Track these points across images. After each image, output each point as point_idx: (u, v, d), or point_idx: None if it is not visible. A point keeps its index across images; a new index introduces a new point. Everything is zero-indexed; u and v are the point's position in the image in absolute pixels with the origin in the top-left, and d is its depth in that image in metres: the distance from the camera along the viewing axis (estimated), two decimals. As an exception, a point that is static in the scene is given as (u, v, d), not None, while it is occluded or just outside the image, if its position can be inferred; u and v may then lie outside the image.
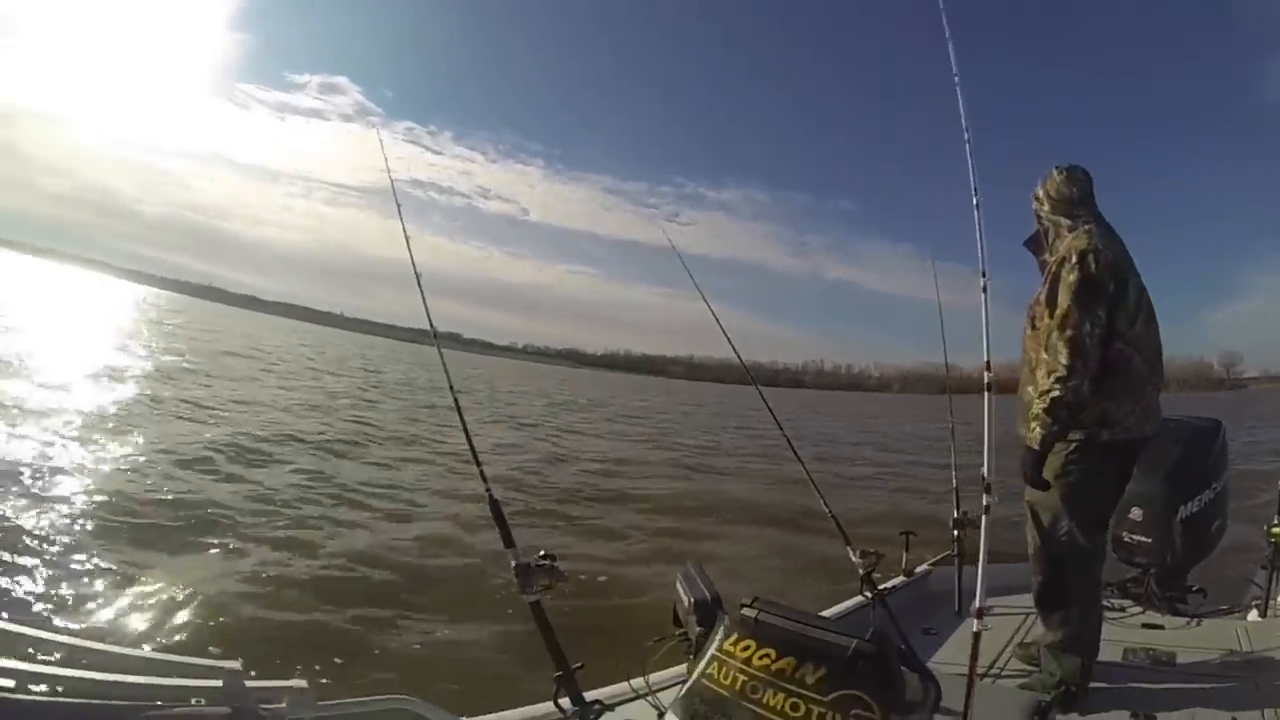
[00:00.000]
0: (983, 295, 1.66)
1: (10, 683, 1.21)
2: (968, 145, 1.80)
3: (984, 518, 1.56)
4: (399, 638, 4.69)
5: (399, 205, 2.78)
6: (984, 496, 1.57)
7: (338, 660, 4.18)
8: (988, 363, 1.66)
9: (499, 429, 17.45)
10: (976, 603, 1.48)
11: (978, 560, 1.50)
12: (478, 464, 2.17)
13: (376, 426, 14.58)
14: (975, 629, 1.47)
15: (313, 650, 4.26)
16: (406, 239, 2.61)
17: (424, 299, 2.51)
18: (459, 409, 2.37)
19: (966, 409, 3.30)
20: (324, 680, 3.84)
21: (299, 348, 45.91)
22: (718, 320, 3.43)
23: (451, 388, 2.45)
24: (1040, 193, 2.65)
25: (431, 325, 2.55)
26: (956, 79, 1.89)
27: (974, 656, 1.44)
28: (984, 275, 1.68)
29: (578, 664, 1.92)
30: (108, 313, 48.29)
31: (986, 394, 1.61)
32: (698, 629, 1.64)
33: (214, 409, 13.15)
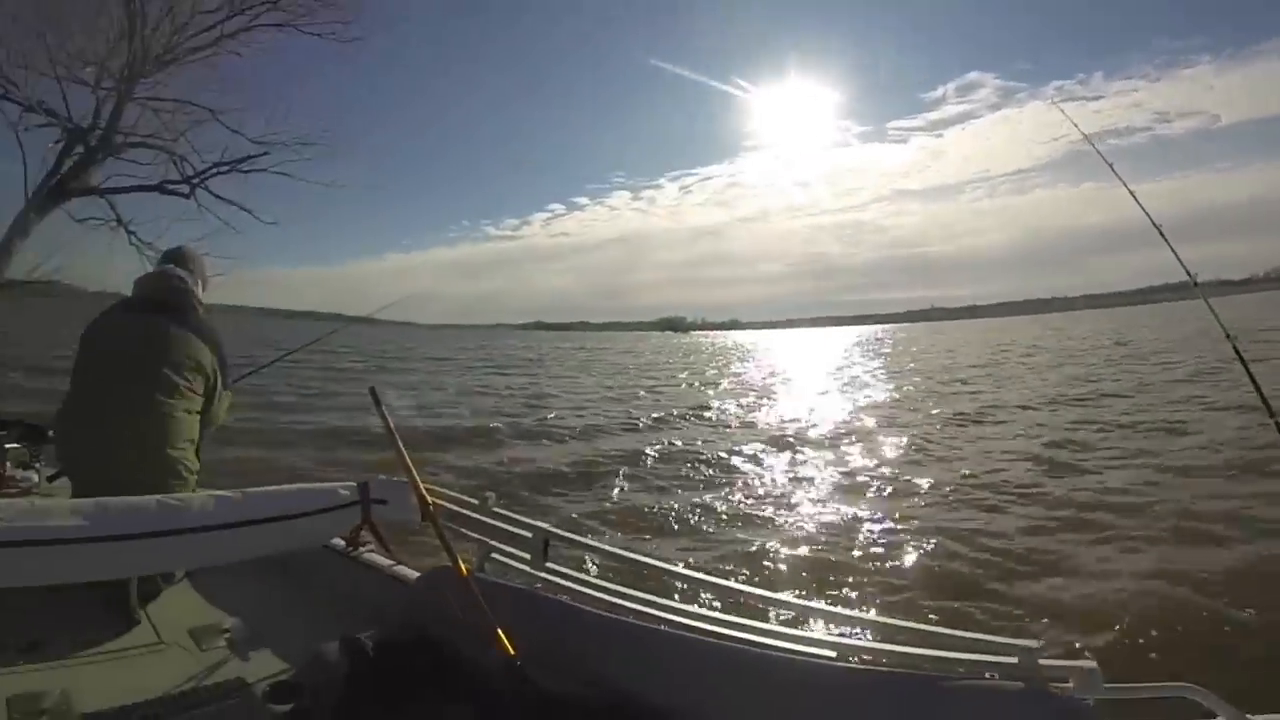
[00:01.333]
0: None
1: (832, 653, 1.70)
2: None
3: None
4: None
5: (1110, 164, 2.82)
6: None
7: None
8: None
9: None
10: None
11: None
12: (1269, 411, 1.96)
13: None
14: None
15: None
16: (1131, 193, 2.62)
17: (1171, 248, 2.45)
18: (1241, 357, 2.28)
19: None
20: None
21: (1044, 337, 44.80)
22: None
23: (1229, 336, 2.35)
24: None
25: (1189, 274, 2.45)
26: None
27: None
28: None
29: None
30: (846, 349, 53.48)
31: None
32: None
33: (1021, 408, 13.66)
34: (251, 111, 8.45)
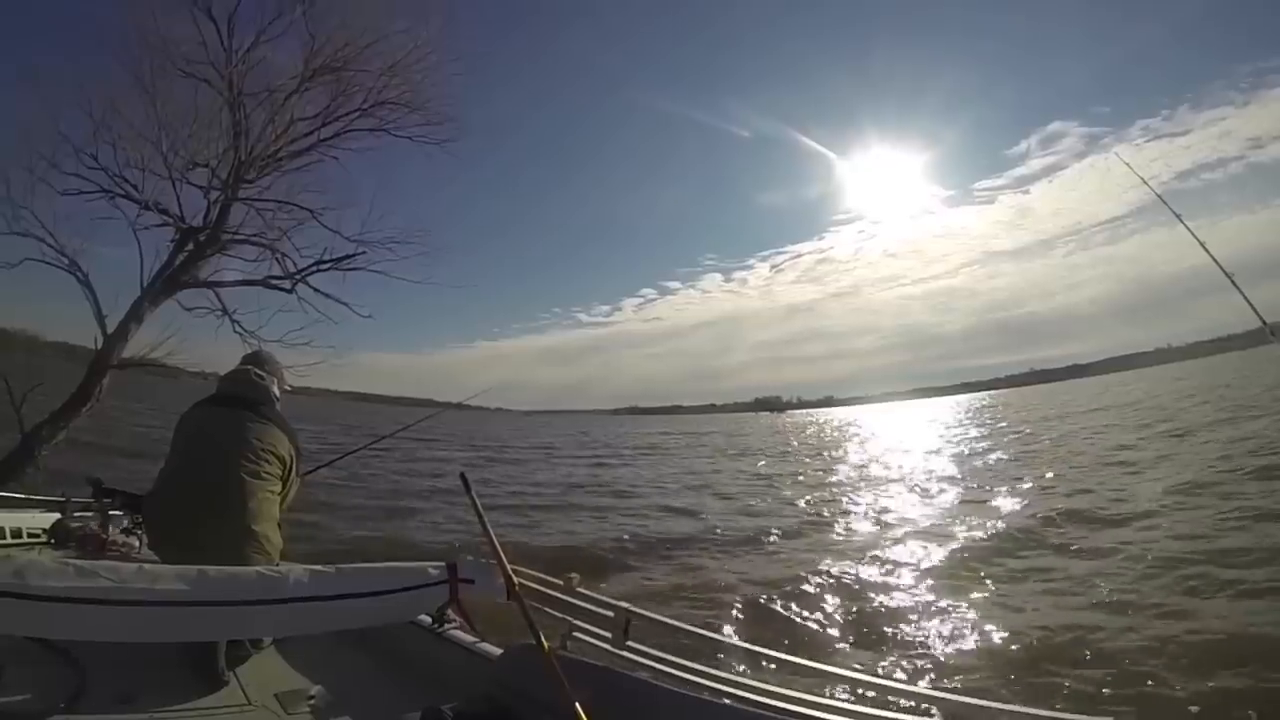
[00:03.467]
0: None
1: None
2: None
3: None
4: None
5: (1177, 213, 2.91)
6: None
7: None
8: None
9: None
10: None
11: None
12: None
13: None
14: None
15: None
16: (1202, 243, 2.65)
17: (1241, 292, 2.48)
18: None
19: None
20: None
21: (1154, 393, 41.82)
22: None
23: None
24: None
25: (1262, 320, 2.49)
26: None
27: None
28: None
29: None
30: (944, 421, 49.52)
31: None
32: None
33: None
34: (349, 212, 9.06)
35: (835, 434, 45.60)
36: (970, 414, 56.33)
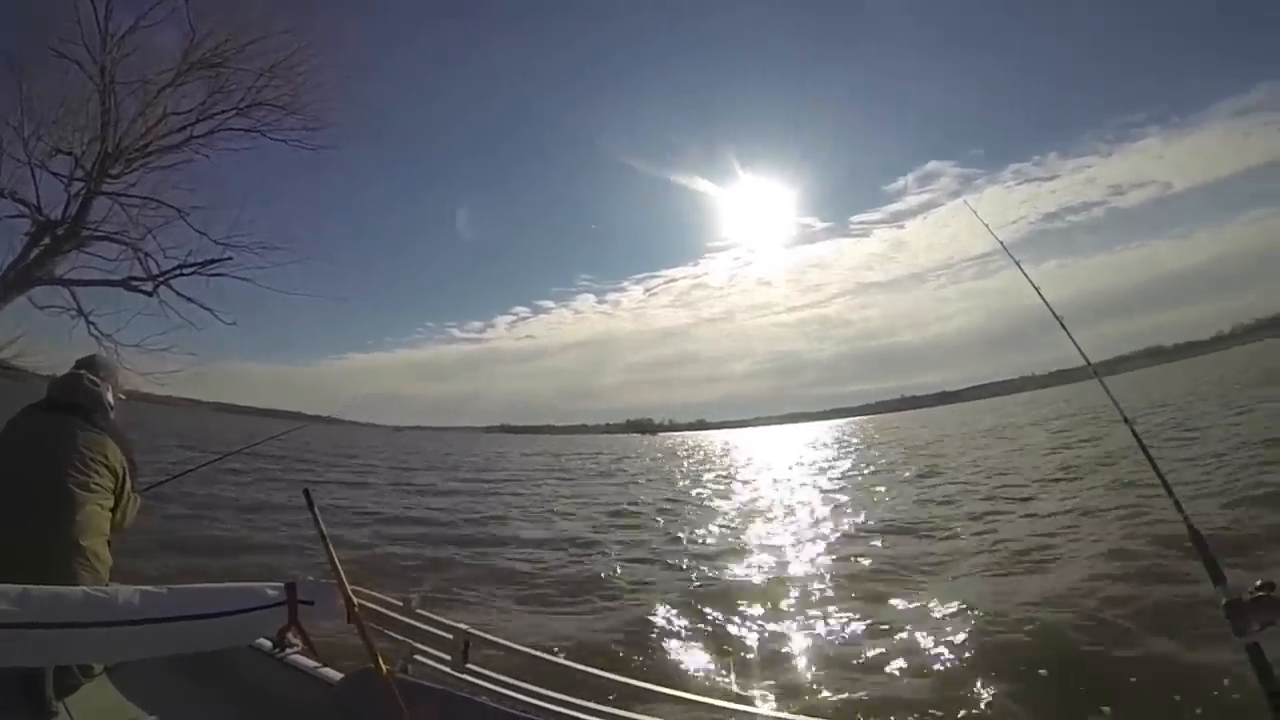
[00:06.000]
0: None
1: None
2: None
3: None
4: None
5: (1016, 261, 3.23)
6: None
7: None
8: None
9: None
10: None
11: None
12: (1170, 492, 2.05)
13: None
14: None
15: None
16: (1034, 286, 2.94)
17: (1068, 333, 2.75)
18: (1136, 435, 2.41)
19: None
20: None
21: (987, 426, 42.28)
22: None
23: (1124, 418, 2.49)
24: None
25: (1085, 357, 2.72)
26: None
27: None
28: None
29: None
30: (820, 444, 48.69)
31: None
32: None
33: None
34: (218, 213, 8.72)
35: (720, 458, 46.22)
36: (835, 440, 58.95)
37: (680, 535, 11.62)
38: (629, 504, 16.55)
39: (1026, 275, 3.13)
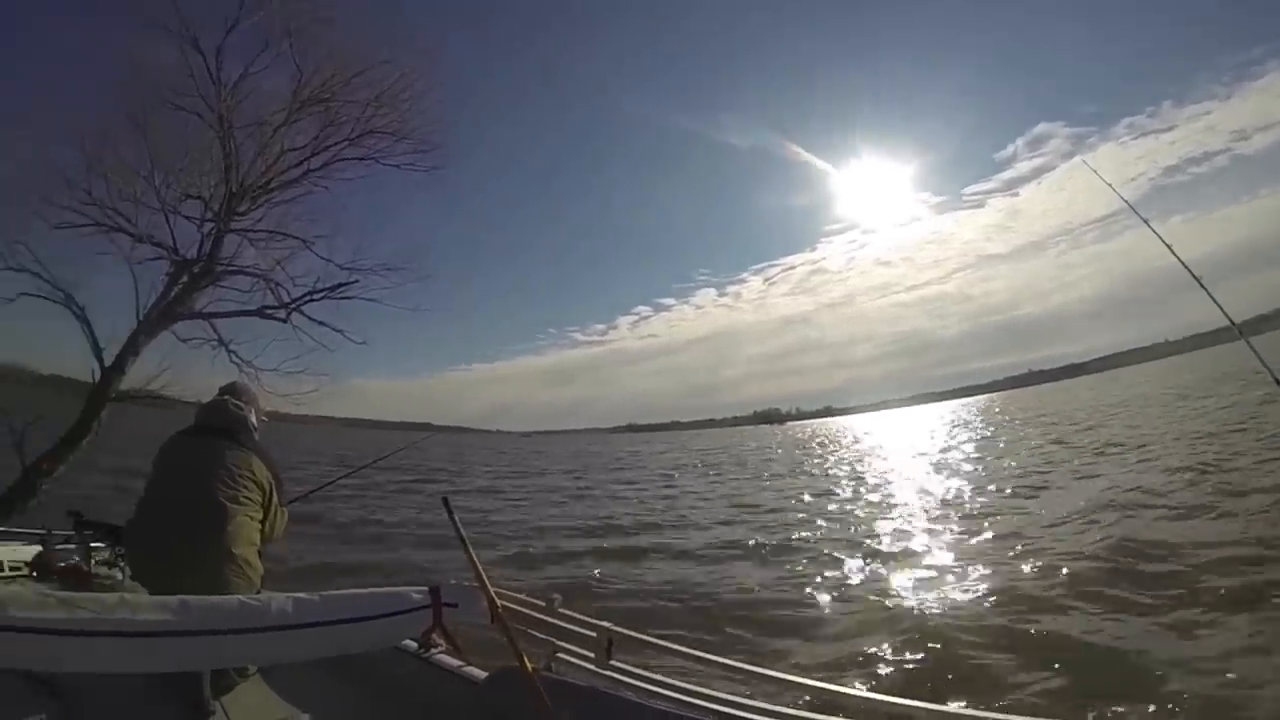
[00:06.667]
0: None
1: None
2: None
3: None
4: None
5: (1144, 219, 3.02)
6: None
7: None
8: None
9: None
10: None
11: None
12: None
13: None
14: None
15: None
16: (1167, 244, 2.77)
17: (1208, 292, 2.55)
18: None
19: None
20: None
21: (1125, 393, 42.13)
22: None
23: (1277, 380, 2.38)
24: None
25: (1228, 317, 2.53)
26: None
27: None
28: None
29: None
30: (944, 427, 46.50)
31: None
32: None
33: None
34: (340, 240, 9.20)
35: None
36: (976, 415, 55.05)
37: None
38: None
39: (1157, 233, 2.77)
